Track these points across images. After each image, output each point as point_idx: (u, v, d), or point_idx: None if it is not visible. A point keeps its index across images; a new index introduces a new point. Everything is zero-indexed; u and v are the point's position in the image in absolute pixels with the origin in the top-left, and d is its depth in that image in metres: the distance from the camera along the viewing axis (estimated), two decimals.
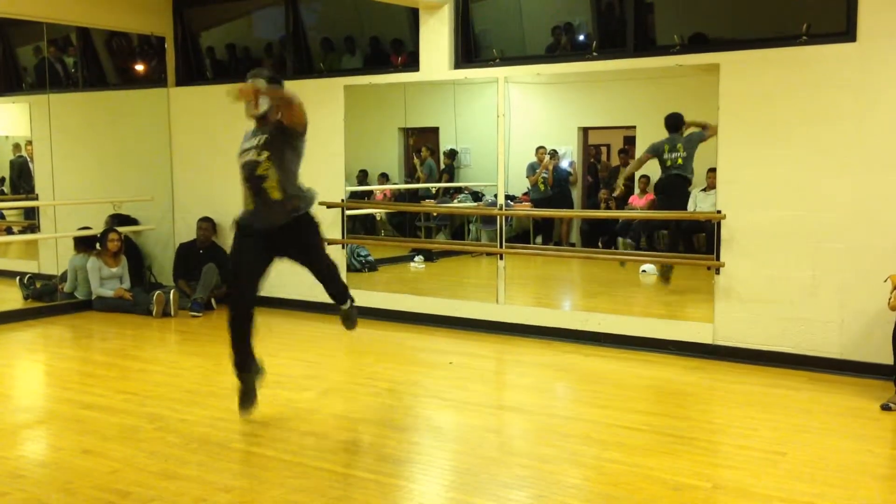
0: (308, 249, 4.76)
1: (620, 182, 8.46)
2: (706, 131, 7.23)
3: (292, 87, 8.02)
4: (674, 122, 7.44)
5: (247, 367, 4.66)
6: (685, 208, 7.45)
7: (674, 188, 7.44)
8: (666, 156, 7.43)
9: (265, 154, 4.46)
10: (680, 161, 7.37)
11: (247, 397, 4.69)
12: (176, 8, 8.97)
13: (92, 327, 7.69)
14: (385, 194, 10.07)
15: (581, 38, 7.27)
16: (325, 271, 4.90)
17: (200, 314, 7.93)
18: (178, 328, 7.63)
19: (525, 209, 9.24)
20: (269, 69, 4.62)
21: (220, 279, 8.22)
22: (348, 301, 5.12)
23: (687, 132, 7.49)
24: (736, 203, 6.09)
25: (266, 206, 4.50)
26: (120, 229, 8.45)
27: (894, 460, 4.39)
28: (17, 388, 5.93)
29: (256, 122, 4.58)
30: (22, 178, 9.72)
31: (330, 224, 8.01)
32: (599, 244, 9.21)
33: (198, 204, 8.80)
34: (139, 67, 9.64)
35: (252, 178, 4.48)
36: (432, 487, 3.89)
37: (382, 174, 10.09)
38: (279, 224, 4.53)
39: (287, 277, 8.28)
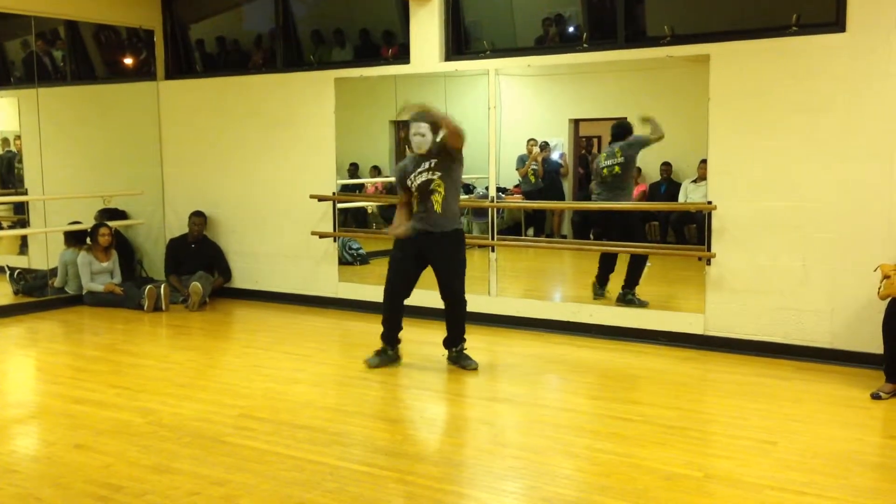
0: (448, 261, 5.63)
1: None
2: (651, 136, 7.05)
3: (283, 80, 8.18)
4: (618, 132, 7.30)
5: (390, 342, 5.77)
6: (622, 224, 7.19)
7: (613, 197, 7.15)
8: (603, 164, 7.22)
9: (437, 174, 5.50)
10: (617, 170, 7.14)
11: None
12: (165, 0, 8.92)
13: (83, 322, 7.67)
14: (376, 187, 10.05)
15: (571, 29, 7.27)
16: (452, 295, 5.65)
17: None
18: (170, 322, 7.61)
19: (516, 201, 9.23)
20: (421, 110, 5.51)
21: (216, 280, 8.38)
22: (460, 344, 5.79)
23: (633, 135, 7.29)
24: (727, 193, 6.11)
25: (429, 214, 5.53)
26: (110, 224, 8.42)
27: (884, 448, 4.42)
28: (8, 383, 5.91)
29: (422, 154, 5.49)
30: (11, 173, 9.66)
31: (321, 217, 8.01)
32: (591, 236, 9.22)
33: (188, 197, 8.78)
34: (128, 61, 9.59)
35: (425, 191, 5.51)
36: (426, 479, 3.89)
37: (374, 167, 10.07)
38: (435, 231, 5.53)
39: (279, 271, 8.35)
